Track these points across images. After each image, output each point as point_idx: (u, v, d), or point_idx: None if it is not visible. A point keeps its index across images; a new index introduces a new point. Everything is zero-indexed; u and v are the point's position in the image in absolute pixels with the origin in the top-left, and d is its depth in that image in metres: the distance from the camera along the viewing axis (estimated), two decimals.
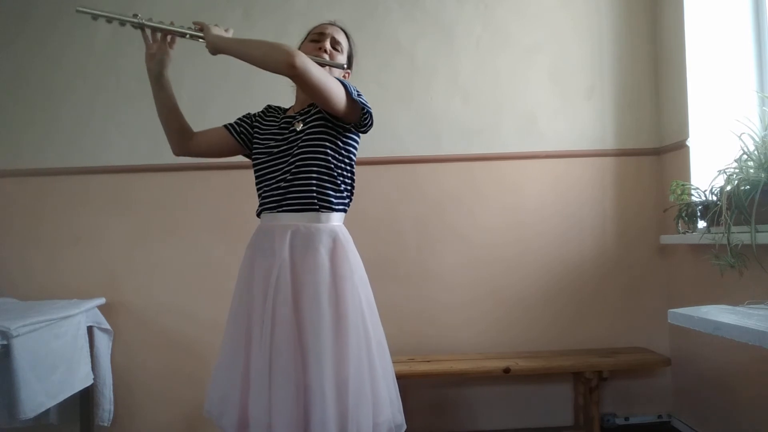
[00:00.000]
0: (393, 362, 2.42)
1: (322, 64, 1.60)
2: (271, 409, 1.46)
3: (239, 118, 1.81)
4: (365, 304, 1.60)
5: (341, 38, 1.75)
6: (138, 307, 2.66)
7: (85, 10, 1.52)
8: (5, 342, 1.90)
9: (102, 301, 2.56)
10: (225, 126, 1.78)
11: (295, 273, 1.54)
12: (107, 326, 2.56)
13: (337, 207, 1.62)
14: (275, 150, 1.64)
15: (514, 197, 2.71)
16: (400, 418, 1.64)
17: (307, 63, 1.44)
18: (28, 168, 2.69)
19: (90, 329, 2.46)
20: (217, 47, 1.55)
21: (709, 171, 2.20)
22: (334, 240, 1.59)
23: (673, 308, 1.48)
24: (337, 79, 1.57)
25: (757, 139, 1.94)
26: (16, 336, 1.92)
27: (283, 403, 1.46)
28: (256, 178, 1.69)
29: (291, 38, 2.69)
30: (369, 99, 2.66)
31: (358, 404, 1.49)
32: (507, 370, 2.39)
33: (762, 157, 1.88)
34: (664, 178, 2.66)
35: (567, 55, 2.74)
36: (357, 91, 1.59)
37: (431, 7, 2.74)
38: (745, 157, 1.93)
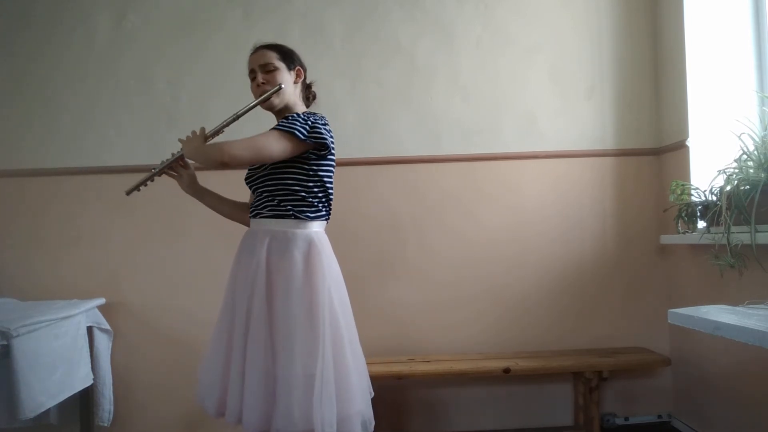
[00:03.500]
0: (393, 362, 2.48)
1: (266, 98, 1.76)
2: (243, 397, 1.62)
3: None
4: (338, 304, 1.74)
5: (267, 57, 1.81)
6: (138, 307, 2.66)
7: (131, 189, 1.84)
8: (5, 342, 1.90)
9: (102, 301, 2.56)
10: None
11: (270, 273, 1.69)
12: (107, 326, 2.56)
13: (313, 217, 1.77)
14: (255, 167, 1.81)
15: (514, 197, 2.71)
16: (370, 412, 1.77)
17: (235, 153, 1.64)
18: (28, 168, 2.69)
19: (90, 329, 2.46)
20: (188, 158, 1.80)
21: (708, 171, 2.20)
22: (310, 244, 1.73)
23: (673, 308, 1.48)
24: (284, 127, 1.68)
25: (757, 139, 1.94)
26: (16, 336, 1.92)
27: (254, 391, 1.61)
28: (248, 187, 1.89)
29: (291, 38, 2.70)
30: (369, 99, 2.70)
31: (325, 397, 1.61)
32: (507, 370, 2.39)
33: (762, 157, 1.88)
34: (664, 178, 2.66)
35: (567, 55, 2.74)
36: (312, 127, 1.70)
37: (431, 7, 2.74)
38: (744, 157, 1.93)
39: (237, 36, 2.70)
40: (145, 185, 1.83)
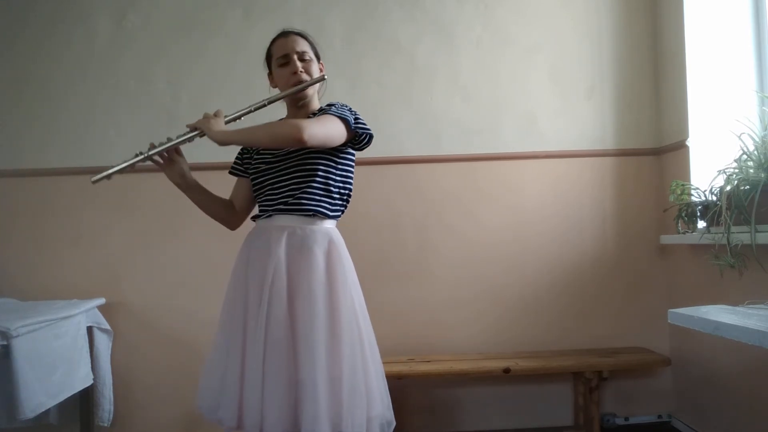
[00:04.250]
0: (393, 362, 2.48)
1: (306, 87, 1.67)
2: (263, 403, 1.51)
3: (235, 160, 1.85)
4: (357, 305, 1.66)
5: (302, 45, 1.72)
6: (138, 307, 2.66)
7: (99, 177, 1.52)
8: (5, 342, 1.90)
9: (102, 301, 2.56)
10: (232, 173, 1.85)
11: (291, 272, 1.59)
12: (107, 326, 2.56)
13: (331, 214, 1.68)
14: (273, 160, 1.68)
15: (514, 197, 2.71)
16: (390, 414, 1.69)
17: (313, 131, 1.49)
18: (28, 168, 2.69)
19: (90, 329, 2.46)
20: (223, 142, 1.55)
21: (709, 171, 2.20)
22: (330, 242, 1.64)
23: (673, 308, 1.48)
24: (338, 113, 1.60)
25: (757, 139, 1.94)
26: (16, 336, 1.92)
27: (275, 398, 1.51)
28: (255, 187, 1.74)
29: None
30: (369, 99, 2.71)
31: (352, 400, 1.53)
32: (507, 370, 2.39)
33: (762, 157, 1.88)
34: (664, 178, 2.66)
35: (567, 55, 2.74)
36: (354, 117, 1.64)
37: (431, 7, 2.74)
38: (744, 157, 1.93)
39: (237, 36, 2.70)
40: (134, 167, 1.58)
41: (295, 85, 1.67)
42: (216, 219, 1.82)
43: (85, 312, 2.42)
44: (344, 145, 1.65)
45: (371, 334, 1.70)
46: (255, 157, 1.76)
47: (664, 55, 2.67)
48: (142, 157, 1.57)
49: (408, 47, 2.73)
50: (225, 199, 1.84)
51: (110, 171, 1.53)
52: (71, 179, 2.68)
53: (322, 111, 1.67)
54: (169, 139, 1.61)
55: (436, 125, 2.72)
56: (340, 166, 1.67)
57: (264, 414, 1.50)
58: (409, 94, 2.73)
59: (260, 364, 1.53)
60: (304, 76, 1.68)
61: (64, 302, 2.44)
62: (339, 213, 1.72)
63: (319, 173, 1.63)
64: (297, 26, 2.70)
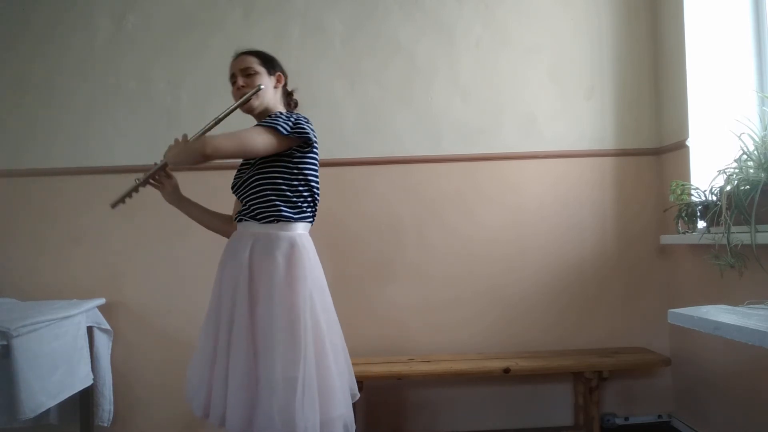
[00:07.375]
0: (393, 362, 2.48)
1: (247, 99, 1.78)
2: (226, 399, 1.62)
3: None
4: (320, 307, 1.73)
5: (247, 62, 1.83)
6: (138, 307, 2.66)
7: (116, 201, 1.86)
8: (5, 342, 1.90)
9: (102, 301, 2.56)
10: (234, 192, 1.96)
11: (252, 276, 1.70)
12: (107, 326, 2.56)
13: (296, 218, 1.76)
14: (244, 171, 1.84)
15: (514, 197, 2.71)
16: (351, 416, 1.77)
17: (216, 146, 1.62)
18: (29, 168, 2.69)
19: (90, 329, 2.46)
20: (172, 163, 1.78)
21: (709, 171, 2.20)
22: (292, 246, 1.73)
23: (673, 308, 1.48)
24: (266, 123, 1.70)
25: (757, 139, 1.94)
26: (16, 336, 1.92)
27: (236, 395, 1.61)
28: (236, 198, 1.90)
29: (291, 38, 2.72)
30: (369, 99, 2.71)
31: (306, 401, 1.61)
32: (507, 370, 2.39)
33: (762, 157, 1.88)
34: (664, 178, 2.66)
35: (567, 56, 2.74)
36: (294, 122, 1.71)
37: (431, 7, 2.74)
38: (744, 157, 1.93)
39: (237, 36, 2.70)
40: (130, 197, 1.85)
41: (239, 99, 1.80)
42: (215, 232, 1.99)
43: (85, 312, 2.42)
44: (289, 149, 1.73)
45: (336, 335, 1.79)
46: (236, 172, 1.91)
47: (664, 55, 2.67)
48: (139, 183, 1.85)
49: (408, 47, 2.73)
50: (220, 214, 1.98)
51: (124, 194, 1.85)
52: (72, 179, 2.68)
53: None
54: (155, 164, 1.85)
55: (436, 125, 2.72)
56: (295, 171, 1.76)
57: (227, 408, 1.62)
58: (409, 94, 2.73)
59: (225, 362, 1.65)
60: (246, 90, 1.80)
61: (64, 302, 2.44)
62: (307, 215, 1.80)
63: (275, 181, 1.74)
64: (296, 26, 2.74)
